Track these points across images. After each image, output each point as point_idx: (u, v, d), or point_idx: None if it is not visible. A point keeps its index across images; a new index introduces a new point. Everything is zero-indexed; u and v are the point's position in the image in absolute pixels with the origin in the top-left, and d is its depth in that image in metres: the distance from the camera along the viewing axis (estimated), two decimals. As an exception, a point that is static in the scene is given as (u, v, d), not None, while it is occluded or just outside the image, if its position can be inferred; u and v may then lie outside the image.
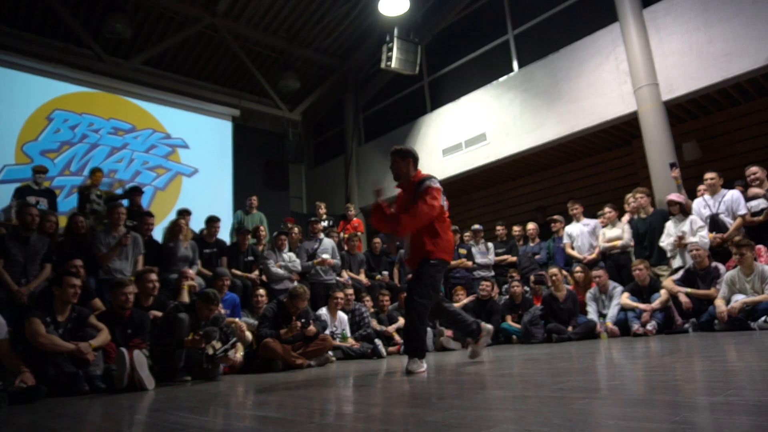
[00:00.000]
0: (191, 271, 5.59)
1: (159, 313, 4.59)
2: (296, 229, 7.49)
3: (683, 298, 5.34)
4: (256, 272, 6.66)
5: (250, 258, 6.74)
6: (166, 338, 4.10)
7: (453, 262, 7.69)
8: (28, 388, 3.32)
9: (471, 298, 7.09)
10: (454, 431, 1.45)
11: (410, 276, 3.85)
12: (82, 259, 4.78)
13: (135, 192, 7.06)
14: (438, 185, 3.57)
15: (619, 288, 6.01)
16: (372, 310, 6.72)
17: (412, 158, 3.77)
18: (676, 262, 5.86)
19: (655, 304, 5.52)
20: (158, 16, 9.80)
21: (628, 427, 1.32)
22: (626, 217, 6.83)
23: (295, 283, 6.00)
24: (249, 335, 5.19)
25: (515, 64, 9.35)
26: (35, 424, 2.37)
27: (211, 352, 4.14)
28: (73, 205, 7.22)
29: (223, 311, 5.15)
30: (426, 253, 3.52)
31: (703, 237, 5.58)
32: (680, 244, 5.72)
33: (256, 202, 8.30)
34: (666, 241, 5.97)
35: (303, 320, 5.02)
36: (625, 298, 5.78)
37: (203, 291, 4.55)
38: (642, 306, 5.59)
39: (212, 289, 4.65)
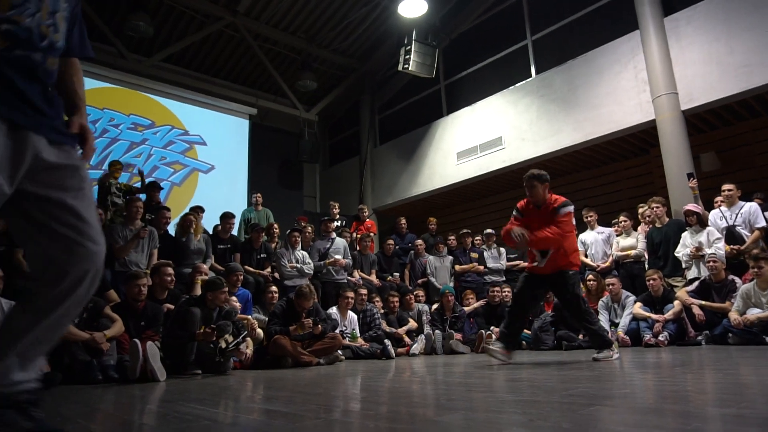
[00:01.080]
0: (205, 266, 5.65)
1: (173, 306, 4.65)
2: (309, 228, 7.54)
3: (696, 310, 5.28)
4: (269, 269, 6.71)
5: (263, 255, 6.79)
6: (177, 331, 4.15)
7: (464, 266, 7.74)
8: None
9: (481, 302, 7.08)
10: (463, 432, 1.46)
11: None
12: (99, 251, 4.85)
13: (154, 187, 7.16)
14: (572, 210, 4.10)
15: (632, 297, 5.96)
16: (382, 311, 6.73)
17: (548, 182, 4.15)
18: (691, 273, 5.80)
19: (668, 315, 5.46)
20: (180, 15, 9.92)
21: (638, 434, 1.32)
22: (642, 227, 6.76)
23: (306, 281, 6.06)
24: (260, 332, 5.24)
25: (533, 70, 9.32)
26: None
27: (223, 345, 4.19)
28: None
29: (237, 304, 5.21)
30: (567, 265, 4.06)
31: (719, 249, 5.51)
32: (697, 255, 5.66)
33: (261, 199, 8.37)
34: (682, 251, 5.91)
35: (314, 318, 5.08)
36: (638, 308, 5.73)
37: (210, 280, 4.61)
38: (654, 316, 5.54)
39: (217, 276, 4.73)
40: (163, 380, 3.64)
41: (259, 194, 8.43)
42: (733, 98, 6.82)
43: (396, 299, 6.81)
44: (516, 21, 9.72)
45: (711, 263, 5.37)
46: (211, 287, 4.39)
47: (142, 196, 6.73)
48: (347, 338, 5.82)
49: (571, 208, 4.07)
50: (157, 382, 3.58)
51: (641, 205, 6.96)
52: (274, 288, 5.94)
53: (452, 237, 8.10)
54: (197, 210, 7.01)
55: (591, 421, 1.51)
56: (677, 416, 1.55)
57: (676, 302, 5.53)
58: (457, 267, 7.76)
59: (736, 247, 5.59)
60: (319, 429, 1.61)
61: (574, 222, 4.20)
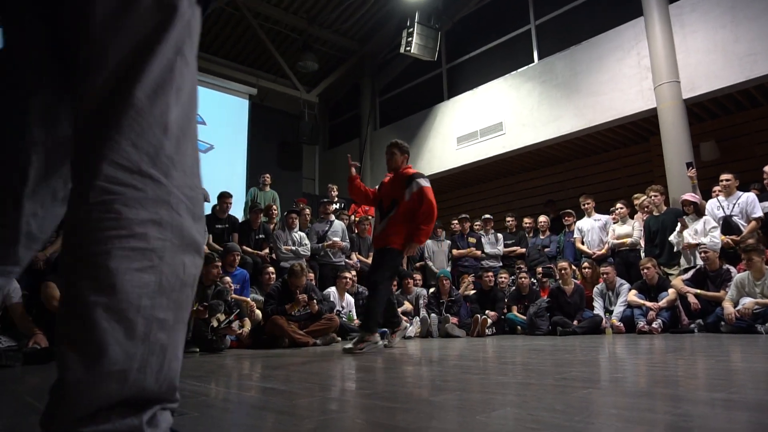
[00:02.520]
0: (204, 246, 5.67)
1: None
2: (307, 210, 7.55)
3: (692, 299, 5.33)
4: (267, 250, 6.73)
5: (261, 236, 6.81)
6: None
7: (462, 251, 7.77)
8: (42, 350, 3.41)
9: (470, 286, 7.16)
10: (458, 412, 1.48)
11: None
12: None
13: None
14: (429, 185, 4.11)
15: (626, 285, 6.01)
16: (379, 294, 6.77)
17: (408, 155, 4.36)
18: (683, 261, 5.85)
19: (663, 302, 5.51)
20: (180, -9, 9.80)
21: (630, 416, 1.34)
22: (639, 216, 6.78)
23: (303, 261, 6.10)
24: (258, 313, 5.28)
25: (535, 55, 9.25)
26: (46, 384, 2.44)
27: (215, 324, 4.24)
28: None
29: (232, 286, 5.24)
30: (390, 242, 4.03)
31: (714, 238, 5.54)
32: (691, 246, 5.69)
33: (269, 180, 8.36)
34: (675, 239, 5.94)
35: (310, 293, 5.14)
36: (633, 296, 5.78)
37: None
38: (649, 304, 5.59)
39: (210, 251, 4.78)
40: (160, 357, 3.67)
41: (267, 175, 8.43)
42: (735, 87, 6.79)
43: (394, 282, 6.85)
44: (520, 5, 9.63)
45: (703, 254, 5.41)
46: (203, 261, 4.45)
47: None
48: (343, 318, 5.87)
49: (426, 182, 4.08)
50: (154, 358, 3.61)
51: (636, 195, 6.98)
52: (271, 269, 5.97)
53: (455, 221, 8.16)
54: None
55: (583, 403, 1.54)
56: (668, 400, 1.58)
57: (670, 290, 5.58)
58: (454, 252, 7.80)
59: (732, 237, 5.62)
60: (316, 406, 1.64)
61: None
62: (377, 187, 4.47)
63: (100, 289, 0.72)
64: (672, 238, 5.98)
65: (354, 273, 6.56)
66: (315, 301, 5.17)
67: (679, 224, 5.91)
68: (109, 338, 0.71)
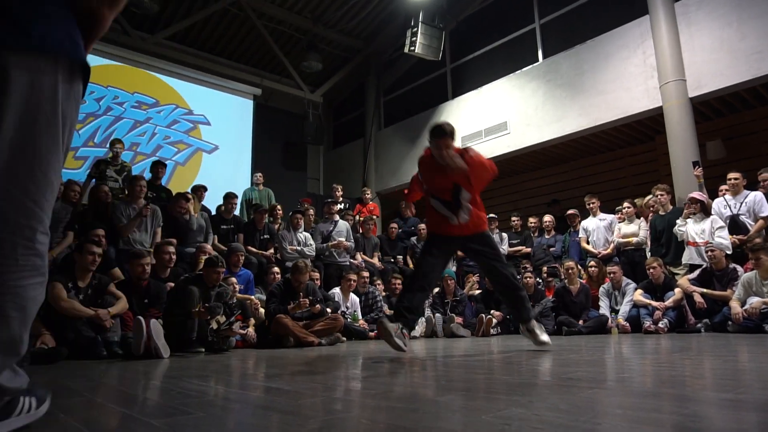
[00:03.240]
0: (209, 246, 5.68)
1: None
2: (311, 210, 7.56)
3: (698, 298, 5.30)
4: (272, 250, 6.74)
5: (266, 236, 6.82)
6: (175, 309, 4.21)
7: (467, 251, 7.74)
8: (49, 350, 3.43)
9: (475, 285, 7.15)
10: (463, 412, 1.47)
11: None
12: (104, 229, 4.90)
13: (158, 165, 7.19)
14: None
15: (633, 285, 5.98)
16: (384, 294, 6.77)
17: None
18: (686, 256, 5.85)
19: (669, 302, 5.48)
20: (184, -8, 9.83)
21: (636, 416, 1.33)
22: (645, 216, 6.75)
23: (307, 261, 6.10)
24: (263, 311, 5.30)
25: (540, 54, 9.22)
26: (54, 383, 2.45)
27: (215, 326, 4.26)
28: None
29: (237, 286, 5.25)
30: (479, 226, 3.58)
31: (723, 239, 5.50)
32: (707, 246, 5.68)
33: (262, 178, 8.37)
34: (680, 221, 5.93)
35: (311, 297, 5.12)
36: (638, 295, 5.75)
37: (208, 257, 4.67)
38: (655, 303, 5.56)
39: (218, 255, 4.79)
40: (166, 357, 3.68)
41: (260, 174, 8.44)
42: (742, 85, 6.75)
43: (399, 282, 6.84)
44: (524, 4, 9.60)
45: (710, 253, 5.38)
46: (206, 264, 4.47)
47: (147, 175, 6.74)
48: (348, 319, 5.87)
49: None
50: (160, 358, 3.62)
51: (638, 200, 6.95)
52: (276, 269, 5.98)
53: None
54: (200, 189, 7.03)
55: (589, 403, 1.53)
56: (674, 400, 1.57)
57: (677, 290, 5.55)
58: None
59: (740, 237, 5.58)
60: (321, 406, 1.63)
61: None
62: (418, 177, 3.90)
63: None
64: (676, 228, 5.97)
65: (366, 274, 6.54)
66: (318, 305, 5.16)
67: (686, 223, 5.88)
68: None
